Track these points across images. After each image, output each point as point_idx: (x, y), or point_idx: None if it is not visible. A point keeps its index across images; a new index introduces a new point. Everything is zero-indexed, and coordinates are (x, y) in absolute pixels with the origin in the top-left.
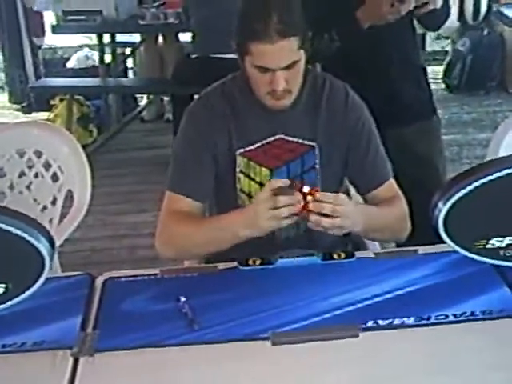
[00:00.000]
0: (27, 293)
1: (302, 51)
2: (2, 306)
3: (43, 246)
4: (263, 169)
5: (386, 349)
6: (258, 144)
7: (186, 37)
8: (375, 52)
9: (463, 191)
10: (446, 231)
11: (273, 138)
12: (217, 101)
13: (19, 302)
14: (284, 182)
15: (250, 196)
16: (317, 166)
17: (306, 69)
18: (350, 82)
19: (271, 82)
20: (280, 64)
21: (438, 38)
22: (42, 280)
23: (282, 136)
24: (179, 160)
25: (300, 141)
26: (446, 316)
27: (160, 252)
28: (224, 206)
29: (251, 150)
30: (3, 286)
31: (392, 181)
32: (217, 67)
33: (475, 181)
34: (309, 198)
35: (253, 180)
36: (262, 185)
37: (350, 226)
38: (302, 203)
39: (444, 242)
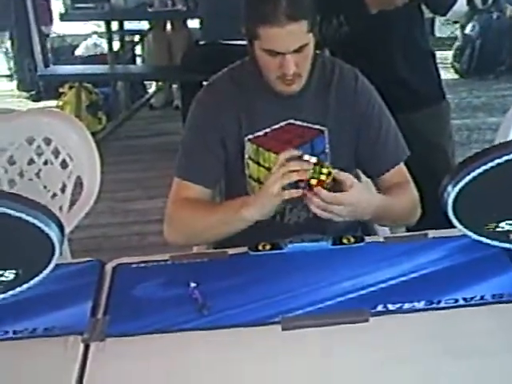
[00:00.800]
0: (37, 279)
1: (311, 34)
2: (13, 292)
3: (53, 232)
4: (272, 154)
5: (396, 333)
6: (267, 130)
7: (194, 23)
8: (384, 37)
9: (472, 174)
10: (456, 215)
11: (282, 124)
12: (225, 87)
13: (29, 288)
14: (292, 153)
15: (259, 182)
16: (327, 151)
17: (315, 53)
18: (358, 67)
19: (281, 66)
20: (290, 47)
21: (447, 22)
22: (51, 266)
23: (291, 121)
24: (187, 147)
25: (310, 125)
26: (456, 300)
27: (168, 238)
28: (233, 191)
29: (260, 135)
30: (13, 272)
31: (402, 165)
32: (225, 53)
33: (484, 164)
34: (322, 176)
35: (262, 166)
36: (270, 170)
37: (351, 215)
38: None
39: (454, 226)
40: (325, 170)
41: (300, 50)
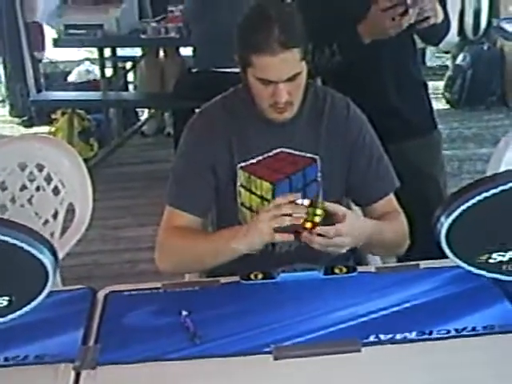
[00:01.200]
0: (31, 305)
1: (303, 63)
2: (5, 319)
3: (47, 259)
4: (264, 182)
5: (387, 363)
6: (260, 158)
7: (187, 51)
8: (376, 66)
9: (465, 205)
10: (449, 245)
11: (274, 152)
12: (217, 115)
13: (22, 315)
14: (288, 198)
15: (251, 210)
16: (319, 179)
17: (308, 81)
18: (350, 96)
19: (274, 94)
20: (282, 76)
21: (438, 52)
22: (45, 292)
23: (283, 149)
24: (179, 175)
25: (302, 154)
26: (448, 331)
27: (160, 266)
28: (225, 219)
29: (252, 163)
30: (7, 298)
31: (392, 196)
32: (218, 81)
33: (477, 195)
34: (316, 218)
35: (254, 194)
36: (263, 198)
37: (351, 244)
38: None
39: (446, 256)
40: (319, 211)
41: (293, 79)
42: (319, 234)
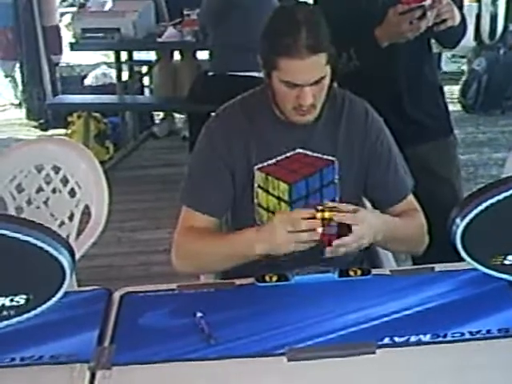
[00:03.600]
0: (48, 304)
1: (328, 66)
2: (22, 317)
3: (64, 258)
4: (281, 183)
5: (402, 366)
6: (277, 159)
7: (203, 55)
8: (392, 70)
9: (480, 207)
10: (464, 247)
11: (292, 153)
12: (235, 117)
13: (38, 315)
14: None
15: (268, 210)
16: (336, 181)
17: (331, 84)
18: (367, 100)
19: (298, 97)
20: (309, 80)
21: (453, 57)
22: (62, 292)
23: (300, 150)
24: (195, 176)
25: (319, 155)
26: (462, 334)
27: (176, 267)
28: (241, 220)
29: (269, 164)
30: (24, 296)
31: (411, 195)
32: (233, 85)
33: (492, 197)
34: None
35: (271, 194)
36: (280, 199)
37: (371, 235)
38: (321, 230)
39: (461, 258)
40: (326, 215)
41: (318, 82)
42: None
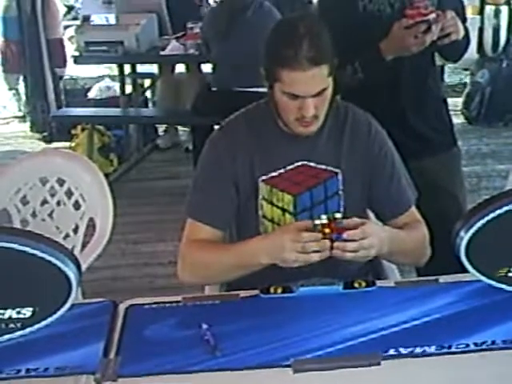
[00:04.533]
0: (54, 316)
1: (330, 78)
2: (29, 330)
3: (70, 271)
4: (286, 195)
5: (407, 377)
6: (281, 170)
7: (208, 68)
8: (396, 83)
9: (485, 219)
10: (468, 259)
11: (296, 165)
12: (239, 129)
13: (44, 327)
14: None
15: (273, 222)
16: (340, 193)
17: (333, 95)
18: (370, 113)
19: (300, 109)
20: (311, 92)
21: (456, 69)
22: (68, 304)
23: (305, 162)
24: (200, 188)
25: (323, 167)
26: (467, 345)
27: (182, 278)
28: (246, 231)
29: (274, 176)
30: (30, 309)
31: (414, 208)
32: (237, 100)
33: (496, 209)
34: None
35: (275, 206)
36: (284, 211)
37: (376, 247)
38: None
39: (466, 270)
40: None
41: (320, 94)
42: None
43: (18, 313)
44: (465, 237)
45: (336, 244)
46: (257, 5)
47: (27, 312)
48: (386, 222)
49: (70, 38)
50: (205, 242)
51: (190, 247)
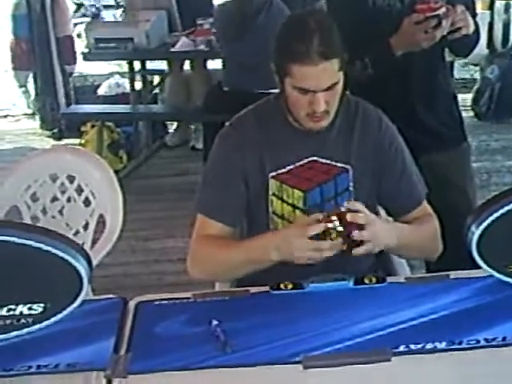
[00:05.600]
0: (65, 312)
1: (341, 72)
2: (40, 325)
3: (81, 266)
4: (296, 191)
5: (417, 373)
6: (291, 166)
7: (214, 64)
8: (406, 79)
9: (496, 214)
10: (480, 254)
11: (306, 161)
12: (249, 125)
13: (55, 323)
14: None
15: (283, 218)
16: (351, 188)
17: (344, 90)
18: (380, 109)
19: (311, 104)
20: (322, 86)
21: (466, 65)
22: (80, 299)
23: (315, 158)
24: (210, 184)
25: (333, 163)
26: (478, 341)
27: (192, 274)
28: (256, 228)
29: (284, 172)
30: (42, 305)
31: (425, 202)
32: (249, 100)
33: (508, 204)
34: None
35: (286, 202)
36: (294, 207)
37: (385, 237)
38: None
39: (476, 265)
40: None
41: (330, 88)
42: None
43: (30, 309)
44: (476, 232)
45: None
46: (268, 4)
47: (39, 308)
48: (398, 218)
49: (79, 35)
50: (215, 238)
51: (199, 243)
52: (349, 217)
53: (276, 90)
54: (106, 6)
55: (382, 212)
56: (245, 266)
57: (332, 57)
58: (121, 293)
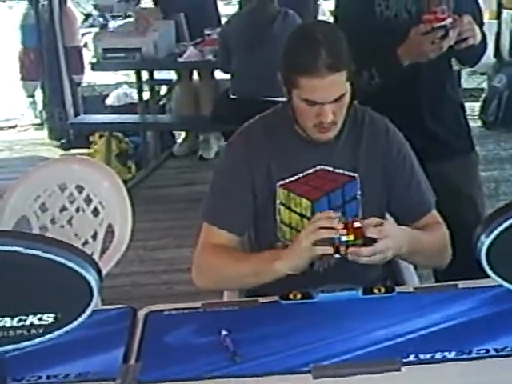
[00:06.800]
0: (76, 322)
1: (348, 83)
2: (51, 336)
3: (91, 276)
4: (304, 200)
5: (427, 383)
6: (299, 175)
7: (221, 74)
8: (414, 89)
9: (506, 224)
10: (489, 264)
11: (314, 169)
12: (257, 134)
13: (65, 333)
14: (326, 213)
15: (291, 227)
16: (358, 197)
17: (351, 101)
18: (388, 118)
19: (319, 115)
20: (329, 98)
21: (473, 74)
22: (90, 309)
23: (322, 167)
24: (217, 193)
25: (341, 171)
26: (487, 350)
27: (197, 283)
28: (264, 237)
29: (291, 181)
30: (52, 315)
31: (434, 210)
32: (258, 109)
33: None
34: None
35: (293, 211)
36: (302, 216)
37: (393, 249)
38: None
39: (485, 275)
40: (357, 224)
41: (338, 100)
42: (364, 245)
43: (40, 319)
44: (486, 241)
45: (351, 249)
46: (282, 14)
47: (49, 318)
48: (407, 226)
49: (86, 45)
50: (221, 247)
51: (205, 252)
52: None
53: (285, 98)
54: (114, 17)
55: (391, 220)
56: (252, 277)
57: (340, 69)
58: (129, 303)
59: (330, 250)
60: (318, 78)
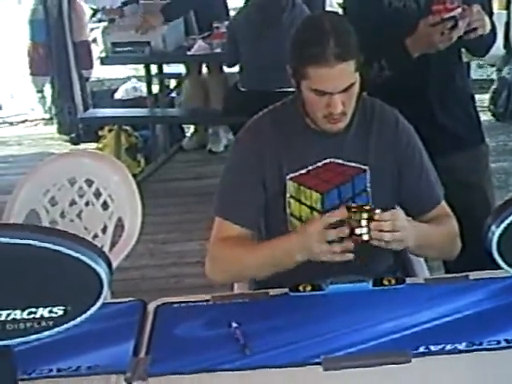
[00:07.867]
0: (86, 315)
1: (357, 73)
2: (61, 329)
3: (102, 269)
4: (314, 193)
5: (438, 374)
6: (309, 168)
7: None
8: (423, 80)
9: None
10: (500, 254)
11: (323, 162)
12: (266, 127)
13: (75, 326)
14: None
15: (301, 220)
16: (368, 189)
17: (360, 91)
18: (397, 110)
19: (328, 105)
20: (338, 87)
21: (483, 65)
22: (100, 302)
23: (332, 160)
24: (228, 186)
25: (351, 164)
26: (498, 342)
27: (211, 276)
28: (274, 230)
29: (301, 174)
30: (62, 308)
31: (443, 202)
32: (268, 101)
33: None
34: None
35: (303, 204)
36: (312, 208)
37: (405, 240)
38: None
39: (496, 265)
40: (365, 215)
41: (347, 90)
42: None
43: (50, 312)
44: (496, 231)
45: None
46: (291, 6)
47: (59, 311)
48: (417, 218)
49: (95, 40)
50: (234, 240)
51: (218, 245)
52: (376, 217)
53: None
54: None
55: (400, 211)
56: (266, 266)
57: (348, 58)
58: (139, 296)
59: (344, 230)
60: (327, 67)
